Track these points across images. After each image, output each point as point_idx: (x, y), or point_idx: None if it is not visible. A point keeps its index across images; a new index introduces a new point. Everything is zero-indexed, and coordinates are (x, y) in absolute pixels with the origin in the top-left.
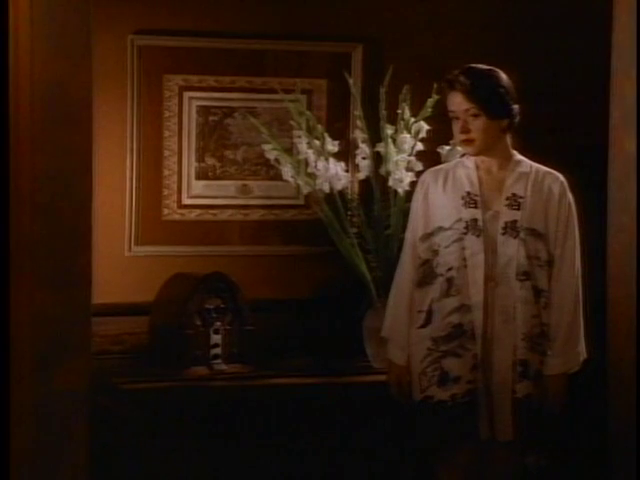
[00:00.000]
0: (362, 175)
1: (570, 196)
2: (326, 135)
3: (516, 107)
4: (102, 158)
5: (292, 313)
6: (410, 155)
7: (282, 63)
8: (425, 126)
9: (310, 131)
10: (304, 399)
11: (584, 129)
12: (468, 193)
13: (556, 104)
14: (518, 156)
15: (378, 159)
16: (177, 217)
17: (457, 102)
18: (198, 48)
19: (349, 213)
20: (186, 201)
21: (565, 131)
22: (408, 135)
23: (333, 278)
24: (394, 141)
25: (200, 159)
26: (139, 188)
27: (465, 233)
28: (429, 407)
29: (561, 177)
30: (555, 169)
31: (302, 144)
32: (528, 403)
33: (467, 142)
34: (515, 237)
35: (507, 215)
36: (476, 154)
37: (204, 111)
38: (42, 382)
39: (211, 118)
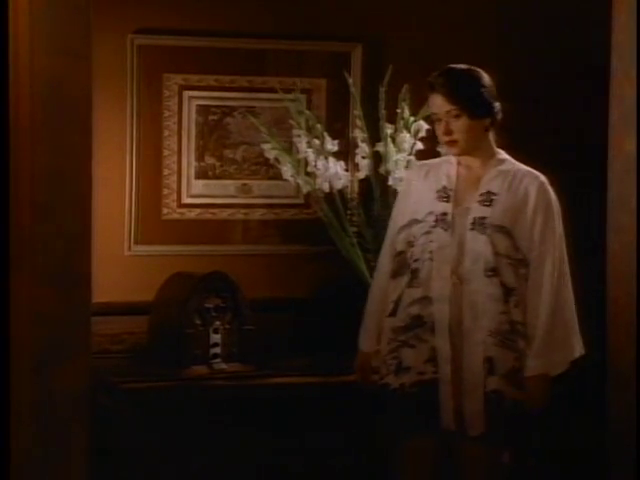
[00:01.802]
0: (362, 174)
1: (552, 197)
2: (326, 134)
3: (497, 105)
4: (102, 157)
5: (292, 312)
6: (410, 154)
7: (282, 62)
8: (425, 125)
9: (310, 130)
10: (304, 398)
11: (584, 129)
12: (444, 187)
13: (555, 103)
14: (502, 155)
15: (378, 158)
16: (177, 216)
17: (438, 104)
18: (198, 47)
19: (349, 212)
20: (186, 200)
21: (566, 131)
22: (408, 134)
23: (333, 277)
24: (394, 140)
25: (200, 158)
26: (139, 187)
27: (434, 226)
28: (385, 395)
29: (542, 177)
30: (556, 168)
31: (302, 143)
32: (496, 399)
33: (450, 143)
34: (483, 233)
35: (477, 211)
36: (460, 154)
37: (204, 110)
38: (42, 382)
39: (211, 117)
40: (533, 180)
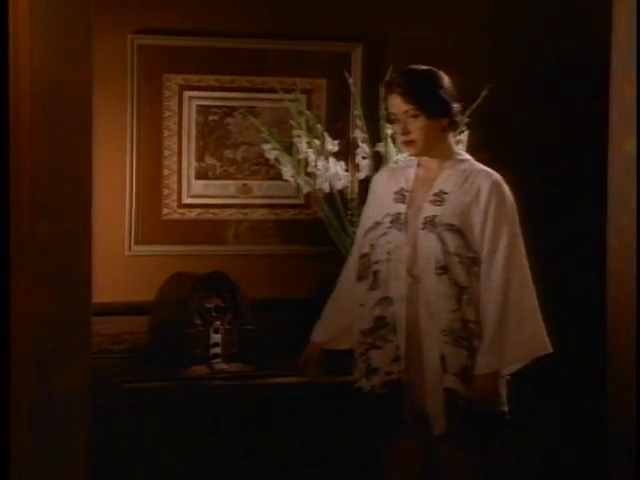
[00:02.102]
0: (362, 175)
1: (505, 195)
2: (326, 134)
3: (456, 106)
4: (102, 157)
5: (292, 312)
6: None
7: (282, 62)
8: None
9: (310, 131)
10: (304, 398)
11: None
12: (401, 189)
13: (555, 103)
14: (462, 156)
15: (378, 158)
16: (177, 216)
17: (396, 104)
18: (198, 47)
19: (349, 212)
20: (186, 200)
21: (565, 131)
22: None
23: (333, 278)
24: (394, 140)
25: (200, 159)
26: (139, 187)
27: (390, 227)
28: (361, 398)
29: (495, 176)
30: (554, 168)
31: (302, 144)
32: (450, 397)
33: (408, 143)
34: (432, 232)
35: (428, 210)
36: (418, 154)
37: (204, 110)
38: (42, 382)
39: (211, 118)
40: (485, 178)
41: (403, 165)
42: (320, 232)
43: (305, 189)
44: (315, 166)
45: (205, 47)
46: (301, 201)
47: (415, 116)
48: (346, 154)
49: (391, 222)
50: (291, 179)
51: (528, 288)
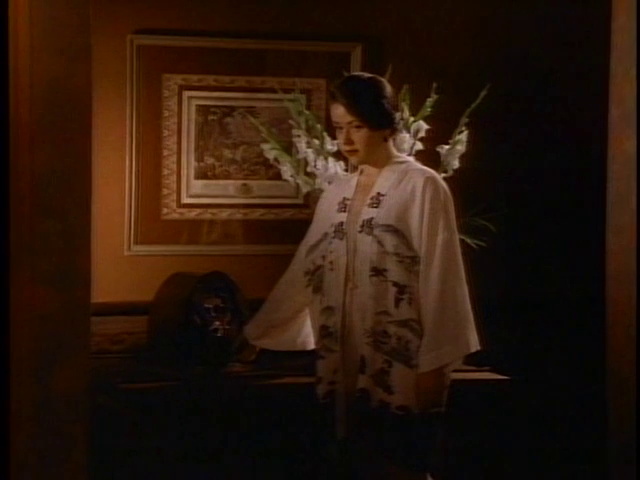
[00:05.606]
0: None
1: (440, 192)
2: (325, 134)
3: (398, 115)
4: (101, 157)
5: None
6: (409, 154)
7: (281, 62)
8: (424, 125)
9: (309, 130)
10: (304, 398)
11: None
12: (343, 199)
13: (554, 104)
14: (401, 158)
15: None
16: (176, 216)
17: (339, 114)
18: (197, 47)
19: None
20: (185, 200)
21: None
22: (407, 134)
23: None
24: (394, 140)
25: (199, 158)
26: (138, 187)
27: (334, 237)
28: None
29: (429, 173)
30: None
31: (301, 143)
32: (363, 399)
33: (351, 152)
34: (370, 234)
35: (366, 214)
36: (361, 163)
37: (203, 110)
38: (42, 382)
39: (210, 117)
40: (419, 176)
41: (348, 177)
42: None
43: (304, 189)
44: (314, 166)
45: (204, 47)
46: (300, 201)
47: (359, 127)
48: None
49: (334, 232)
50: (290, 179)
51: (461, 283)
